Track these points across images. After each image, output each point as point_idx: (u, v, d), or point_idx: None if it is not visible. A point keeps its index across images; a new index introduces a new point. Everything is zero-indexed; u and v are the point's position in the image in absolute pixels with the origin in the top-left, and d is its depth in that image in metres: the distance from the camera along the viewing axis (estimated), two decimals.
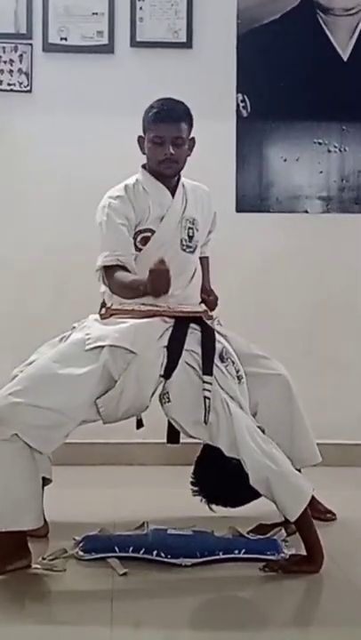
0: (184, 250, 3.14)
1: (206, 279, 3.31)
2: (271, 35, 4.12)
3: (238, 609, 2.59)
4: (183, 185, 3.20)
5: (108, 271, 3.07)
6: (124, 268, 3.05)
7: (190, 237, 3.14)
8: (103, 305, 3.14)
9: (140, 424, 3.10)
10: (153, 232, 3.12)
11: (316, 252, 4.16)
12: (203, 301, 3.20)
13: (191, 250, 3.16)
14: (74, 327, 3.03)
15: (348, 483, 3.77)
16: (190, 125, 3.14)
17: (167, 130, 3.07)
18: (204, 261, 3.32)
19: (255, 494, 2.79)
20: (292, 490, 2.77)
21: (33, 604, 2.59)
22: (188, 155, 3.16)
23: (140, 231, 3.11)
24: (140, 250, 3.11)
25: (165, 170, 3.12)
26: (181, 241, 3.13)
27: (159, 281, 2.82)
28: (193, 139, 3.16)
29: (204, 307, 3.08)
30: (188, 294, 3.13)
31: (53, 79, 4.06)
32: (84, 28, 4.04)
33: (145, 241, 3.11)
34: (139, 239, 3.11)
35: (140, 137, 3.15)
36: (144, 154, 3.16)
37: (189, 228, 3.15)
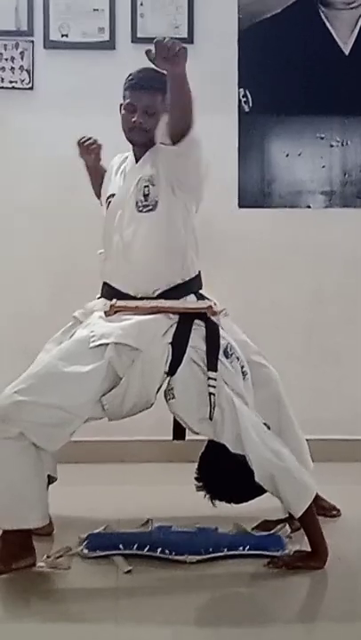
0: (140, 210, 3.01)
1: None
2: (273, 29, 4.11)
3: (243, 605, 2.59)
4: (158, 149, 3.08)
5: None
6: None
7: (145, 196, 3.01)
8: (103, 285, 3.10)
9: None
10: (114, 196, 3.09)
11: (319, 247, 4.15)
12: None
13: (149, 208, 2.99)
14: (75, 317, 3.02)
15: (350, 478, 3.76)
16: (165, 95, 3.00)
17: (139, 98, 3.03)
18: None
19: (259, 491, 2.79)
20: (297, 486, 2.78)
21: (38, 602, 2.60)
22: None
23: (106, 198, 3.11)
24: None
25: (134, 137, 3.07)
26: (137, 203, 3.01)
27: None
28: None
29: (208, 302, 3.07)
30: (153, 260, 2.97)
31: (55, 76, 4.05)
32: (85, 25, 4.03)
33: (107, 204, 3.11)
34: (106, 206, 3.11)
35: (121, 104, 3.11)
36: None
37: (144, 186, 3.03)
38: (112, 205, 3.07)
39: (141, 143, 3.07)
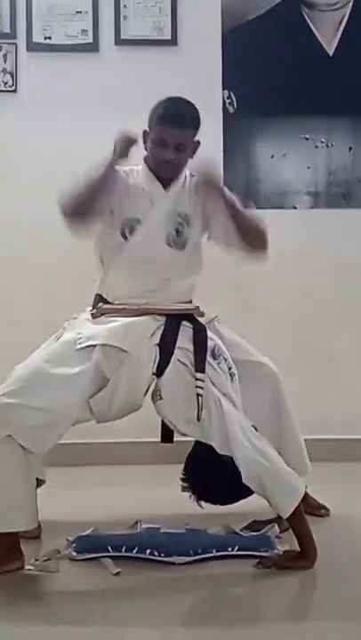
0: (170, 245, 3.05)
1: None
2: (256, 31, 4.11)
3: (233, 606, 2.59)
4: (186, 177, 3.11)
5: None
6: None
7: (178, 232, 3.06)
8: (97, 297, 3.12)
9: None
10: (140, 222, 3.04)
11: (305, 248, 4.15)
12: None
13: (179, 246, 3.06)
14: (65, 328, 3.01)
15: (340, 478, 3.76)
16: (196, 129, 3.05)
17: (171, 134, 2.98)
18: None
19: (246, 492, 2.79)
20: (285, 487, 2.78)
21: (26, 606, 2.58)
22: (191, 157, 3.08)
23: (128, 219, 3.04)
24: (127, 238, 3.05)
25: (163, 173, 3.05)
26: (168, 235, 3.05)
27: (123, 139, 2.92)
28: (198, 142, 3.07)
29: (195, 304, 3.08)
30: (173, 293, 3.06)
31: (38, 79, 4.04)
32: (68, 27, 4.02)
33: (131, 230, 3.04)
34: (127, 228, 3.05)
35: (145, 131, 3.06)
36: (146, 150, 3.08)
37: (179, 222, 3.07)
38: (143, 233, 3.02)
39: (169, 178, 3.07)
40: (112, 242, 3.07)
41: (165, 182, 3.08)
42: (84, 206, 2.95)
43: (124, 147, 2.96)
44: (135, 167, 3.12)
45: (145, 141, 3.06)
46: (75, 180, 2.97)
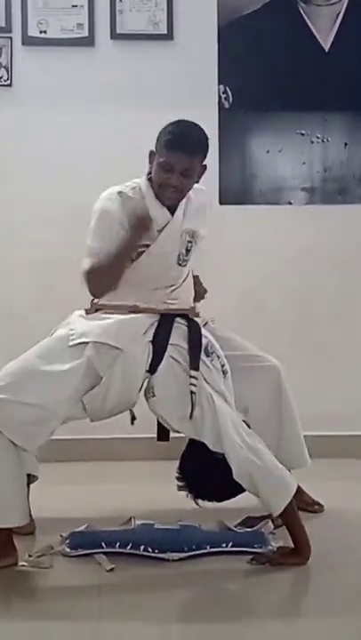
0: (180, 264, 3.08)
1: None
2: (252, 26, 4.10)
3: (226, 602, 2.59)
4: (191, 196, 3.10)
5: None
6: None
7: (188, 251, 3.08)
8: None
9: (133, 418, 3.02)
10: (147, 246, 3.02)
11: (301, 244, 4.15)
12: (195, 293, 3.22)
13: (185, 263, 3.10)
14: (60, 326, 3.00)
15: (335, 474, 3.77)
16: (204, 155, 3.01)
17: (178, 160, 2.95)
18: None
19: (241, 488, 2.78)
20: (276, 484, 2.77)
21: (20, 602, 2.58)
22: (197, 182, 3.07)
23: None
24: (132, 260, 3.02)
25: (166, 198, 3.02)
26: (179, 255, 3.06)
27: (141, 221, 2.85)
28: (204, 166, 3.05)
29: (191, 304, 3.08)
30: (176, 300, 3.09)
31: (34, 73, 4.03)
32: (63, 21, 4.01)
33: (139, 254, 3.01)
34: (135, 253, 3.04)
35: (151, 152, 3.03)
36: (150, 171, 3.05)
37: (188, 241, 3.08)
38: (148, 254, 3.00)
39: (172, 204, 3.04)
40: None
41: (171, 204, 3.06)
42: (110, 287, 2.91)
43: (138, 233, 2.89)
44: (137, 181, 3.08)
45: (151, 162, 3.03)
46: (91, 253, 2.95)
